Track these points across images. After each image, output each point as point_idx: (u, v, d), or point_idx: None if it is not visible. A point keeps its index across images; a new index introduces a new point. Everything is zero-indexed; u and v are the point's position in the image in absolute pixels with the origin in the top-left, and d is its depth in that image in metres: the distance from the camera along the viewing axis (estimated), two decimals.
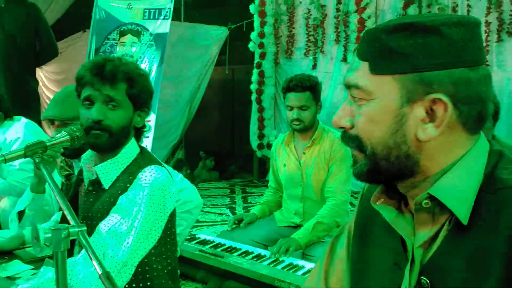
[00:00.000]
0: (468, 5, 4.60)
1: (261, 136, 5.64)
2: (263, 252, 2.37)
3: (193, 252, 2.43)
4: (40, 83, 7.26)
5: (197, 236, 2.64)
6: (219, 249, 2.43)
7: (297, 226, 2.58)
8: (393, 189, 0.85)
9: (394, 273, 0.82)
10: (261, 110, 5.67)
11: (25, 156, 1.21)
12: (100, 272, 0.95)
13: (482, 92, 0.75)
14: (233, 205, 4.26)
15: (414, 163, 0.77)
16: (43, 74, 7.51)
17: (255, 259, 2.30)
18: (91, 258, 0.99)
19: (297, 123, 2.49)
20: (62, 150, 1.80)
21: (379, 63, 0.76)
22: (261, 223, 2.73)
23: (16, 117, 2.83)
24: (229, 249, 2.42)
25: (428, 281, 0.76)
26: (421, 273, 0.78)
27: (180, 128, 6.31)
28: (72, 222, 1.04)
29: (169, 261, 1.52)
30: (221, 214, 3.76)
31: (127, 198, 1.40)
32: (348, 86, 0.80)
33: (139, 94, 1.50)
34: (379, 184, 0.85)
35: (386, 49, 0.75)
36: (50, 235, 0.98)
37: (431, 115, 0.75)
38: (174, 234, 1.57)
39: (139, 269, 1.42)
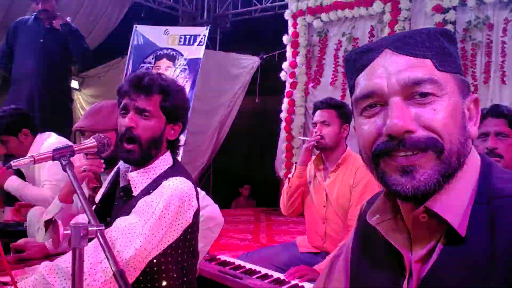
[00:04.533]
0: (503, 42, 4.55)
1: (288, 165, 5.64)
2: (282, 276, 2.34)
3: (212, 273, 2.42)
4: (78, 105, 7.54)
5: (217, 257, 2.63)
6: (238, 271, 2.41)
7: (319, 253, 2.56)
8: (389, 204, 0.85)
9: None
10: (290, 138, 5.69)
11: (53, 158, 1.26)
12: (114, 270, 0.97)
13: None
14: (257, 232, 4.24)
15: (463, 165, 0.77)
16: (81, 97, 7.79)
17: (274, 283, 2.27)
18: (107, 257, 1.01)
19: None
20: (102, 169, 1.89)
21: (442, 61, 0.78)
22: (282, 248, 2.72)
23: (48, 133, 2.91)
24: (248, 272, 2.40)
25: None
26: (419, 287, 0.77)
27: (207, 154, 6.39)
28: (91, 222, 1.08)
29: (185, 272, 1.52)
30: (244, 239, 3.74)
31: (145, 201, 1.43)
32: (416, 82, 0.75)
33: (173, 107, 1.57)
34: (419, 199, 0.76)
35: (444, 49, 0.79)
36: (69, 231, 1.02)
37: (469, 114, 0.80)
38: (194, 247, 1.58)
39: (155, 276, 1.44)
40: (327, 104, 2.58)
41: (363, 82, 0.81)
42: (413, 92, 0.76)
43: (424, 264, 0.78)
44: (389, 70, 0.78)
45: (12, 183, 2.79)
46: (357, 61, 0.84)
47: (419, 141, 0.74)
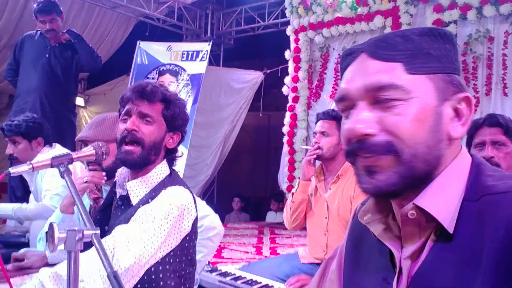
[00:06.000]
0: (504, 54, 4.57)
1: (291, 178, 5.64)
2: (283, 286, 2.33)
3: (213, 283, 2.42)
4: (83, 122, 7.62)
5: (218, 268, 2.64)
6: (239, 281, 2.41)
7: (320, 263, 2.54)
8: (381, 203, 0.86)
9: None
10: (292, 152, 5.71)
11: (51, 166, 1.28)
12: (108, 271, 0.99)
13: None
14: (260, 245, 4.23)
15: (437, 166, 0.78)
16: (86, 114, 7.88)
17: None
18: (101, 259, 1.03)
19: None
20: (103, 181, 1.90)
21: (415, 63, 0.78)
22: (284, 258, 2.71)
23: (55, 144, 2.96)
24: (249, 282, 2.40)
25: None
26: (409, 285, 0.77)
27: (211, 169, 6.40)
28: (87, 225, 1.10)
29: (183, 280, 1.53)
30: (247, 252, 3.74)
31: (144, 210, 1.45)
32: (378, 88, 0.77)
33: (173, 116, 1.61)
34: (389, 198, 0.80)
35: (420, 50, 0.78)
36: (64, 234, 1.04)
37: (457, 114, 0.79)
38: (192, 256, 1.60)
39: (153, 284, 1.45)
40: (329, 115, 2.61)
41: (340, 85, 0.84)
42: (377, 97, 0.77)
43: (414, 261, 0.78)
44: (359, 74, 0.80)
45: (4, 212, 2.80)
46: (341, 63, 0.87)
47: (376, 145, 0.76)
